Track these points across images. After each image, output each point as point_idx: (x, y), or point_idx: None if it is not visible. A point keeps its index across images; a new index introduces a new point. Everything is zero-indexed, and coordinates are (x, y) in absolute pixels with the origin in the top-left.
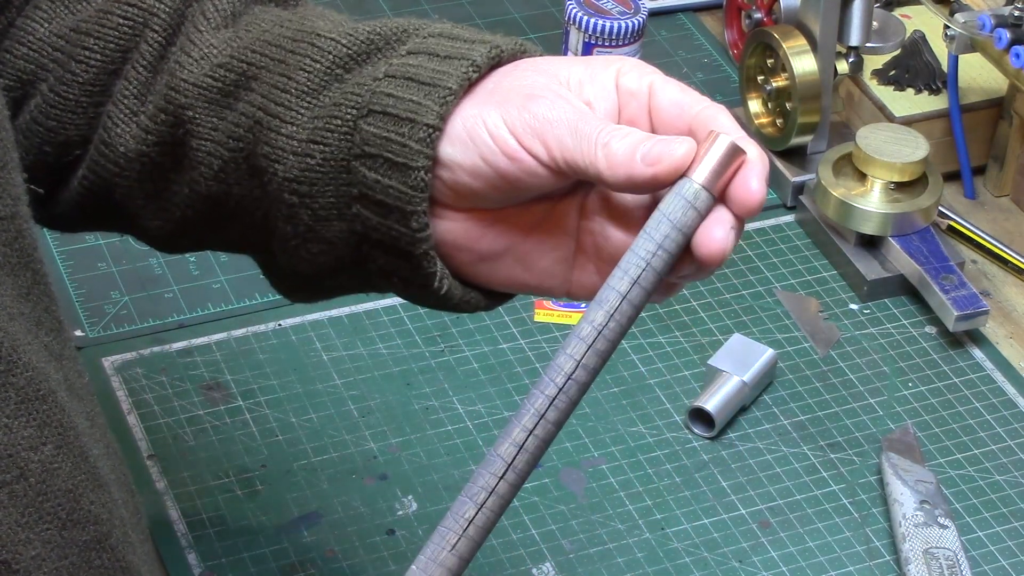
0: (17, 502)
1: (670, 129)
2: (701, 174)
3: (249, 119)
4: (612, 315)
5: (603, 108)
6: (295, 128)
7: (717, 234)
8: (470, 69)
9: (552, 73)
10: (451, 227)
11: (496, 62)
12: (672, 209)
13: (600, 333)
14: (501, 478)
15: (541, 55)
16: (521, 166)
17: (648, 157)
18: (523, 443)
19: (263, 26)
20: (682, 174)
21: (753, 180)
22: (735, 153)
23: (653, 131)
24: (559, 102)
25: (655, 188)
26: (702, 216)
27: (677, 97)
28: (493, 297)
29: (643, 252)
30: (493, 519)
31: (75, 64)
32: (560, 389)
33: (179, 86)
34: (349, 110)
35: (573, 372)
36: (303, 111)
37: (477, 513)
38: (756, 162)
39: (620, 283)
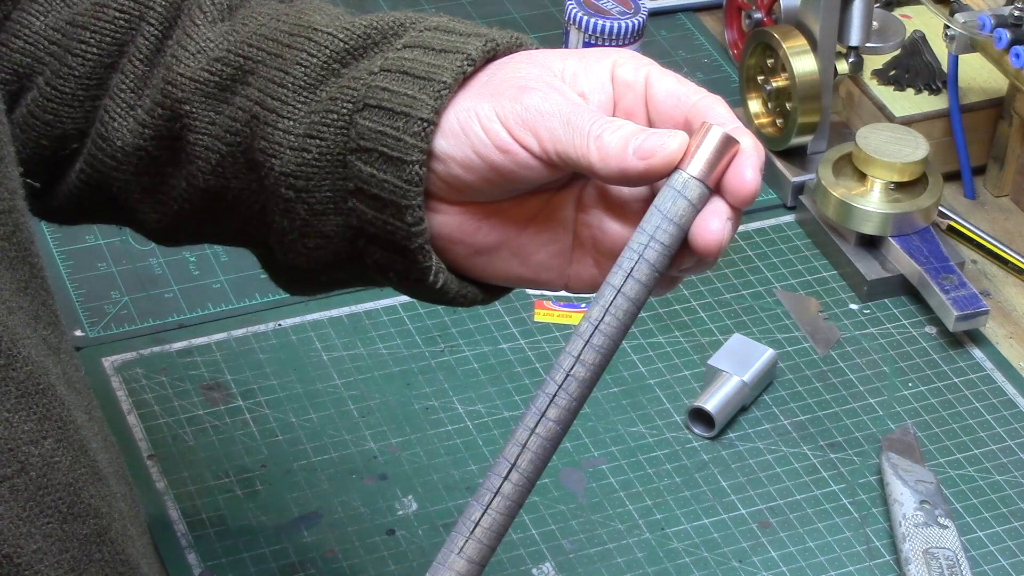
0: (18, 496)
1: (667, 120)
2: (694, 166)
3: (246, 113)
4: (607, 309)
5: (598, 100)
6: (292, 123)
7: (713, 225)
8: (465, 63)
9: (546, 65)
10: (446, 221)
11: (491, 55)
12: (662, 200)
13: (596, 328)
14: (505, 478)
15: (537, 48)
16: (513, 158)
17: (641, 150)
18: (525, 442)
19: (260, 20)
20: (676, 166)
21: (747, 170)
22: (728, 144)
23: (650, 123)
24: (552, 94)
25: (648, 181)
26: (694, 206)
27: (673, 88)
28: (490, 291)
29: (636, 245)
30: (501, 521)
31: (71, 58)
32: (559, 386)
33: (176, 80)
34: (345, 104)
35: (572, 368)
36: (300, 106)
37: (483, 515)
38: (750, 152)
39: (614, 278)
